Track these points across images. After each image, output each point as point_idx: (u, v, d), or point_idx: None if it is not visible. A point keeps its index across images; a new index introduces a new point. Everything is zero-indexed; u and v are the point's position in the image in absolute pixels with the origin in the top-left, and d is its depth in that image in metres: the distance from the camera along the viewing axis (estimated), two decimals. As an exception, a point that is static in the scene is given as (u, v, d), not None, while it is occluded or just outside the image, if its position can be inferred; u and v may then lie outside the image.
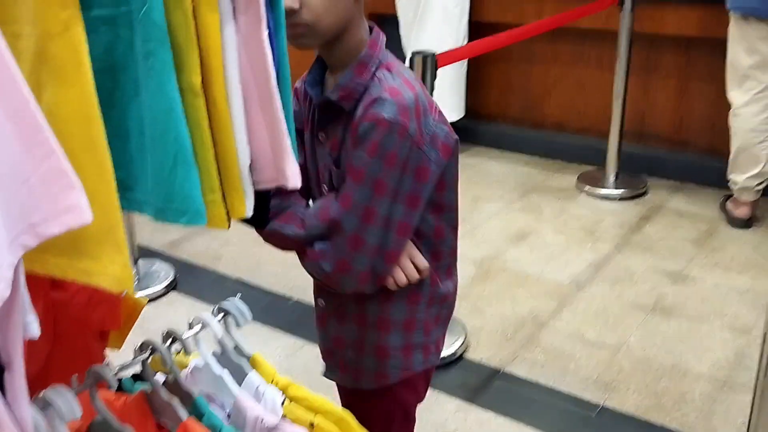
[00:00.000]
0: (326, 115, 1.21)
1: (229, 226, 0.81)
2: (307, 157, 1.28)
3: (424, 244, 1.27)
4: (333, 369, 1.41)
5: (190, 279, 2.97)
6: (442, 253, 1.30)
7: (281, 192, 1.23)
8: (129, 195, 0.77)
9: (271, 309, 2.74)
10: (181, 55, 0.73)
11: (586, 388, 2.29)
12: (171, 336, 0.97)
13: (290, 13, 1.06)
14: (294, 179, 0.83)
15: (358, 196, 1.14)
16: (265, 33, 0.78)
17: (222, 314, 1.03)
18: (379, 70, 1.16)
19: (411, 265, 1.24)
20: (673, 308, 2.71)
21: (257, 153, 0.82)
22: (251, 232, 1.21)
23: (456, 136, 1.23)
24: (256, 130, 0.81)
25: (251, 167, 0.82)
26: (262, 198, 0.87)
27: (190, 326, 0.99)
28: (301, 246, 1.22)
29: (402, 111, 1.12)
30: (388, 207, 1.15)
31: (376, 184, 1.14)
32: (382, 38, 1.21)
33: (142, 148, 0.74)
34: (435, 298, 1.32)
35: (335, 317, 1.34)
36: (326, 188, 1.25)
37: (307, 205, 1.26)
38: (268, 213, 0.93)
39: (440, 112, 1.21)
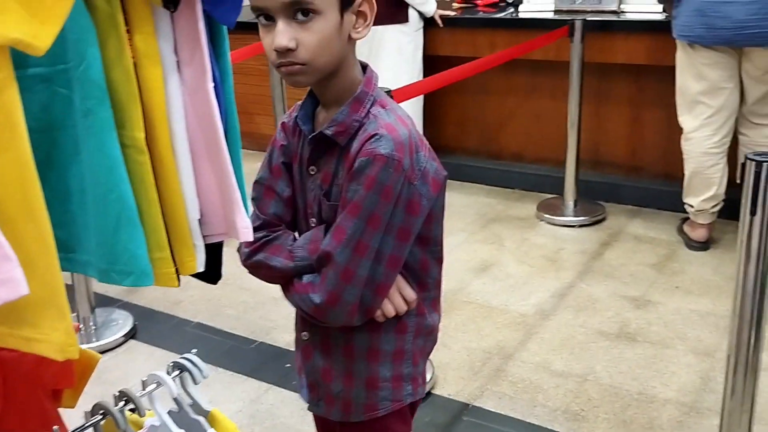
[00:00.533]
0: (318, 149, 1.23)
1: (179, 284, 0.78)
2: (295, 190, 1.30)
3: (410, 276, 1.28)
4: (318, 402, 1.39)
5: (149, 326, 2.89)
6: (427, 285, 1.33)
7: (269, 224, 1.24)
8: (71, 256, 0.74)
9: (234, 353, 2.68)
10: (123, 111, 0.71)
11: (555, 419, 2.27)
12: (124, 396, 0.94)
13: (287, 51, 1.09)
14: (245, 233, 0.81)
15: (353, 229, 1.16)
16: (211, 85, 0.77)
17: (178, 371, 1.00)
18: (374, 107, 1.20)
19: (399, 297, 1.26)
20: (637, 334, 2.72)
21: (206, 206, 0.80)
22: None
23: (445, 172, 1.26)
24: (204, 183, 0.79)
25: (201, 221, 0.80)
26: (215, 252, 0.85)
27: (144, 385, 0.96)
28: (287, 278, 1.24)
29: (398, 147, 1.14)
30: (380, 240, 1.17)
31: (370, 218, 1.16)
32: (376, 76, 1.24)
33: (83, 209, 0.72)
34: (422, 329, 1.34)
35: (321, 350, 1.34)
36: (314, 221, 1.26)
37: (294, 237, 1.27)
38: (220, 267, 0.91)
39: (429, 148, 1.24)
